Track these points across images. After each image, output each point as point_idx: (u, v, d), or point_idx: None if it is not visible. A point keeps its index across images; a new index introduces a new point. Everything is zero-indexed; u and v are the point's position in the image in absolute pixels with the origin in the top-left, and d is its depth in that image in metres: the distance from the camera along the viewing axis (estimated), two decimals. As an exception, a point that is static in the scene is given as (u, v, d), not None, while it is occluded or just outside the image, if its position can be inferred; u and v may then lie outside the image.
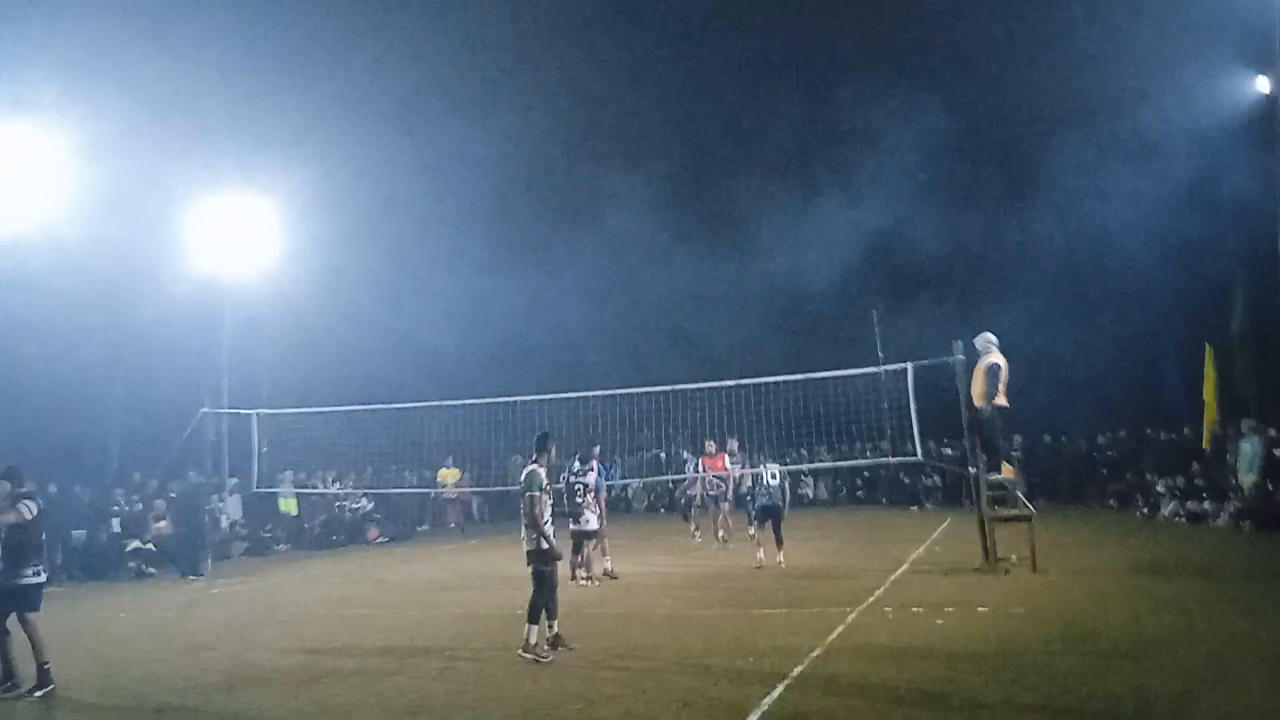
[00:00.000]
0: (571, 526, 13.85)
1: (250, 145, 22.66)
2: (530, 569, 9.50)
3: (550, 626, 9.43)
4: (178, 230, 20.53)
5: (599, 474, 14.99)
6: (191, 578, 17.51)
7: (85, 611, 14.22)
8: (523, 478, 9.69)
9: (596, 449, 15.45)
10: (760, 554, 15.11)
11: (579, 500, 13.82)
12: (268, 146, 22.95)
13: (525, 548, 9.61)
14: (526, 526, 9.59)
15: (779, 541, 15.08)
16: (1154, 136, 23.24)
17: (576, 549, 13.89)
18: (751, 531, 15.79)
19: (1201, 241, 23.18)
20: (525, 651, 9.04)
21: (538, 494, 9.52)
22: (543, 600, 9.34)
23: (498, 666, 8.89)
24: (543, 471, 9.73)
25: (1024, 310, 26.19)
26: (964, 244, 27.57)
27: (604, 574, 14.51)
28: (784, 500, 15.34)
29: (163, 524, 19.79)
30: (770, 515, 15.11)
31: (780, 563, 14.90)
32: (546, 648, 9.23)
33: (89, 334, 20.52)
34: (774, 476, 15.34)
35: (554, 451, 10.39)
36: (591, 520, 13.88)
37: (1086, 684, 7.30)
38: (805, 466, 21.96)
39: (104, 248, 19.43)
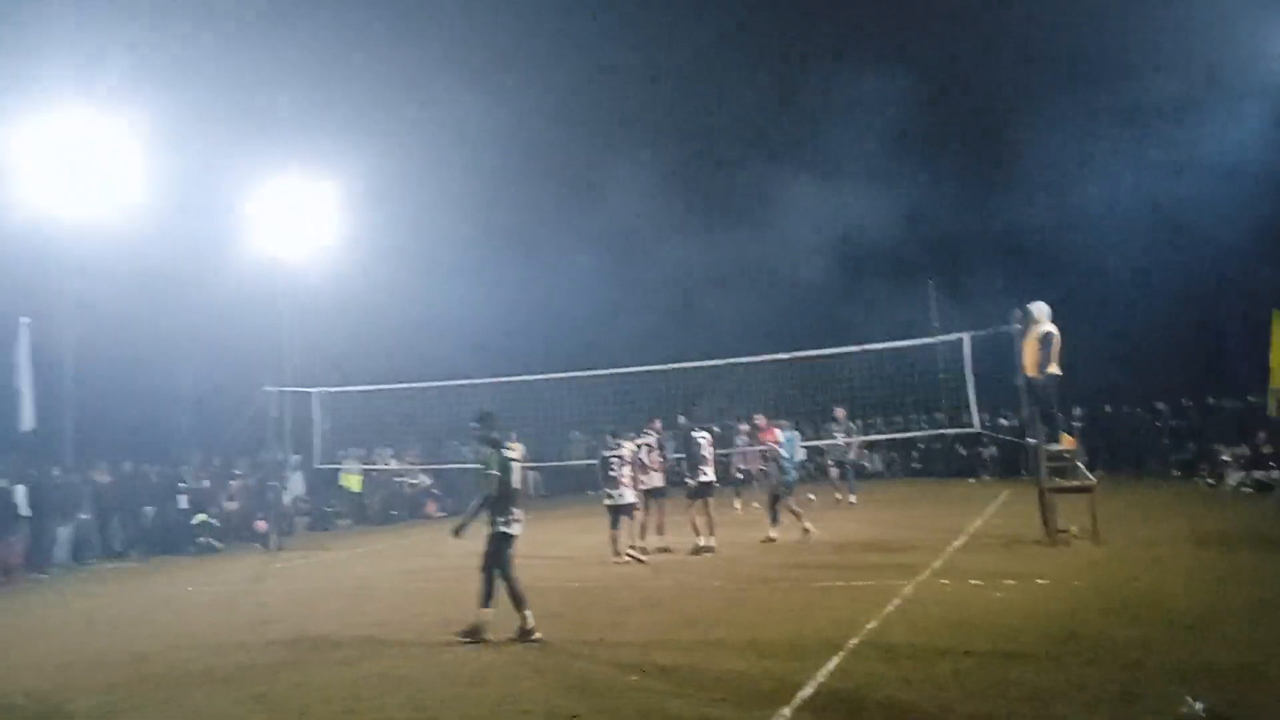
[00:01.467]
0: (605, 501, 13.97)
1: (311, 128, 22.99)
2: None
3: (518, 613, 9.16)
4: (241, 213, 20.87)
5: (657, 450, 15.06)
6: (274, 551, 18.17)
7: (155, 585, 14.70)
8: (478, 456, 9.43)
9: (657, 422, 15.54)
10: (806, 524, 15.20)
11: (611, 473, 13.91)
12: (328, 129, 23.30)
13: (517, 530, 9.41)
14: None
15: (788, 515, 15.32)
16: (1216, 97, 22.60)
17: (614, 524, 13.91)
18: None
19: (1268, 205, 22.54)
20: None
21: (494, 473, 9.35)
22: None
23: (555, 638, 9.00)
24: (494, 451, 9.46)
25: (1086, 279, 25.79)
26: (1022, 213, 27.07)
27: (658, 549, 14.59)
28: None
29: (233, 503, 20.35)
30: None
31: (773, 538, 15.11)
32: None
33: (157, 316, 21.06)
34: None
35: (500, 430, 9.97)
36: (626, 494, 13.86)
37: (1149, 656, 7.20)
38: (860, 438, 21.89)
39: (170, 231, 19.89)
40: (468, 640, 8.95)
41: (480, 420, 9.70)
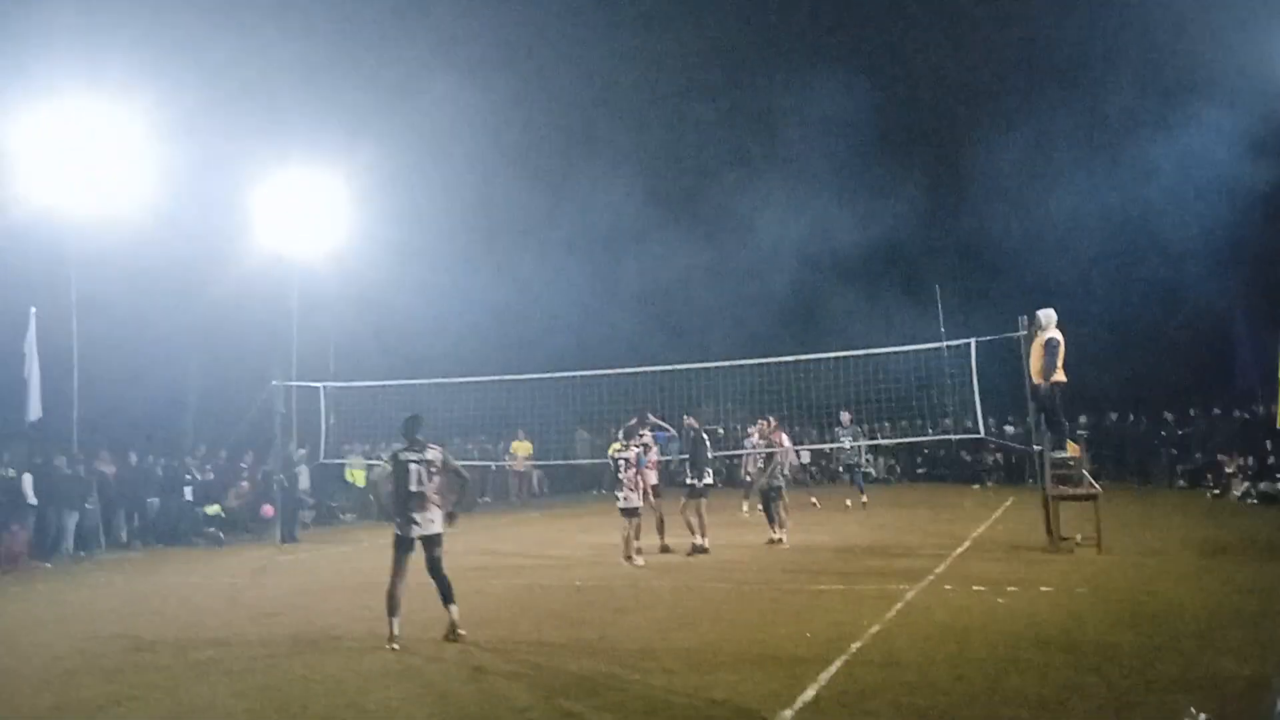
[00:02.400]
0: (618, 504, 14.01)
1: (318, 123, 22.98)
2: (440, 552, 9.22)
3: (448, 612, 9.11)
4: (248, 207, 20.93)
5: (655, 447, 15.09)
6: (286, 544, 18.32)
7: (160, 576, 14.74)
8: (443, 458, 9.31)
9: (648, 422, 15.44)
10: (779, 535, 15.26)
11: (619, 477, 13.93)
12: (335, 124, 23.29)
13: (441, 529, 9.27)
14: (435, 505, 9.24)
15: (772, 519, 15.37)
16: (1228, 102, 22.53)
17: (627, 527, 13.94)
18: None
19: (1276, 213, 22.51)
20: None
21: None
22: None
23: (558, 635, 9.03)
24: (391, 455, 9.29)
25: (1091, 286, 25.73)
26: (1032, 219, 27.02)
27: (661, 549, 14.60)
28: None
29: (243, 486, 20.44)
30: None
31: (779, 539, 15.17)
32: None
33: (164, 310, 21.14)
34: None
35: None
36: (632, 498, 13.83)
37: (1153, 666, 7.18)
38: (865, 442, 21.93)
39: (177, 225, 19.94)
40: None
41: (404, 424, 9.56)
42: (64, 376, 18.31)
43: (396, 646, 8.75)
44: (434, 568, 9.15)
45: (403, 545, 9.14)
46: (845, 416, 20.50)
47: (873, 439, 22.43)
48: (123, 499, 18.78)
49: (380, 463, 9.79)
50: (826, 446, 21.82)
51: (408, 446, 9.28)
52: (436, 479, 9.23)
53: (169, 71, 19.41)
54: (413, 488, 9.10)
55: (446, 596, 9.10)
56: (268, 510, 19.59)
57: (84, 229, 18.44)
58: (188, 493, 19.57)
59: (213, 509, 19.37)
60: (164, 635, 9.81)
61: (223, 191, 21.26)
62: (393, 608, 8.98)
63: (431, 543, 9.17)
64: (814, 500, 20.87)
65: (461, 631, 8.98)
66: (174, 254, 20.17)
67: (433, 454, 9.22)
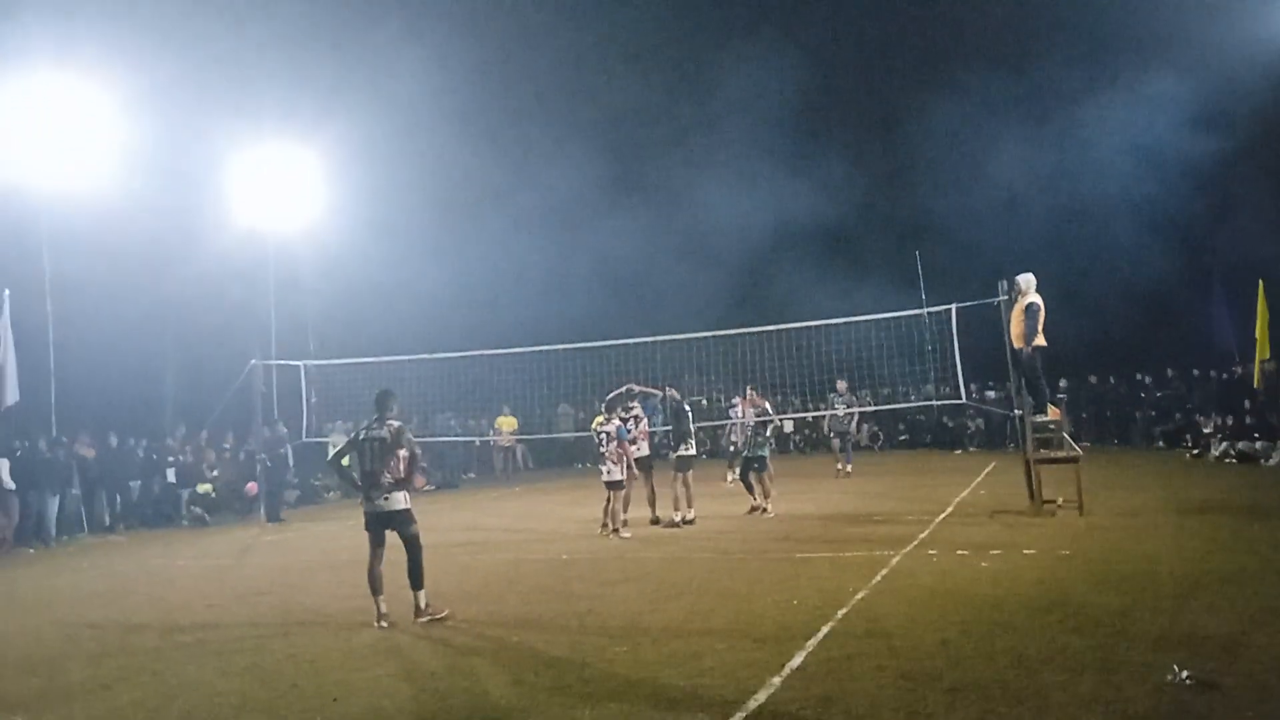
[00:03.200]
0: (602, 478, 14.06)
1: (292, 97, 22.74)
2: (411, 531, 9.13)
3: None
4: (222, 184, 20.71)
5: (645, 418, 15.06)
6: (272, 523, 18.31)
7: (145, 558, 14.68)
8: (396, 433, 9.14)
9: (634, 394, 15.38)
10: (761, 504, 15.28)
11: (601, 450, 13.97)
12: (309, 98, 23.05)
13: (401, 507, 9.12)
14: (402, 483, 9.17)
15: (757, 488, 15.36)
16: (1208, 63, 22.62)
17: (610, 500, 13.99)
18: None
19: (1252, 174, 22.63)
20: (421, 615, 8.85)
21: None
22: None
23: (545, 609, 9.04)
24: (373, 430, 9.18)
25: (1070, 248, 25.83)
26: (1005, 180, 27.10)
27: (651, 521, 14.62)
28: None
29: (219, 476, 20.34)
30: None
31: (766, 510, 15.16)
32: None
33: (138, 289, 20.88)
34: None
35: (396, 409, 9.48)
36: (613, 470, 13.85)
37: (1134, 626, 7.26)
38: (859, 409, 21.99)
39: (150, 203, 19.71)
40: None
41: (374, 399, 9.46)
42: (40, 359, 18.13)
43: (385, 625, 8.74)
44: (406, 546, 9.04)
45: (368, 523, 9.12)
46: (841, 384, 20.56)
47: (862, 407, 22.52)
48: (104, 482, 18.65)
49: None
50: (824, 414, 21.88)
51: (370, 423, 9.25)
52: (393, 456, 9.08)
53: (141, 46, 19.13)
54: (366, 465, 9.08)
55: (413, 579, 8.95)
56: (251, 488, 19.53)
57: (56, 207, 18.21)
58: (170, 474, 19.46)
59: (204, 487, 19.27)
60: (150, 617, 9.79)
61: (197, 167, 21.08)
62: (374, 587, 8.93)
63: (394, 519, 9.08)
64: (838, 467, 20.86)
65: (424, 618, 8.80)
66: (149, 231, 19.94)
67: (384, 431, 9.12)
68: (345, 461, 9.86)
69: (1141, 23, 22.74)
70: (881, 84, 31.41)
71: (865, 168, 29.44)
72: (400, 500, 9.10)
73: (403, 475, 9.13)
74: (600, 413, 14.47)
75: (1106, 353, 26.05)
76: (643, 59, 30.26)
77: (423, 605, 8.92)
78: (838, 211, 28.32)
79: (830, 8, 30.73)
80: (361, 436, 9.19)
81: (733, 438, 19.79)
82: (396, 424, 9.23)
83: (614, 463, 13.84)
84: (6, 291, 17.84)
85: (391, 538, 9.13)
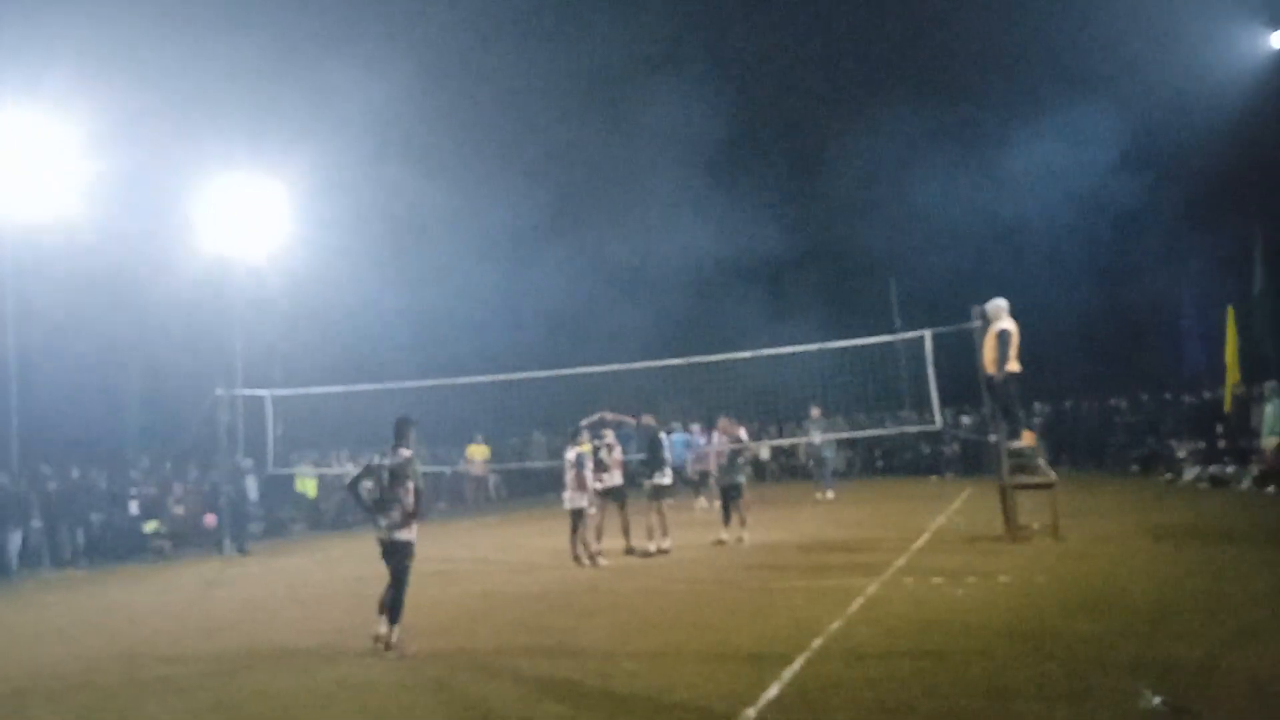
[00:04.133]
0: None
1: (257, 127, 22.63)
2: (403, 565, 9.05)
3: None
4: (187, 213, 20.54)
5: (618, 446, 14.94)
6: (235, 555, 18.12)
7: (107, 593, 14.36)
8: (406, 463, 9.11)
9: (607, 423, 15.29)
10: (733, 536, 15.15)
11: (565, 478, 13.93)
12: (274, 128, 22.93)
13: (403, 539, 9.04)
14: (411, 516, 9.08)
15: (734, 518, 15.25)
16: (1178, 94, 23.01)
17: (573, 529, 13.89)
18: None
19: (1221, 201, 22.95)
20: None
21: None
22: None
23: (518, 642, 8.90)
24: (385, 459, 9.19)
25: (1042, 274, 26.06)
26: (980, 206, 27.38)
27: (625, 551, 14.47)
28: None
29: (180, 507, 19.97)
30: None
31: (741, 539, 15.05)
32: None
33: (102, 319, 20.66)
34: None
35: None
36: (577, 499, 13.81)
37: (1109, 652, 7.22)
38: (834, 435, 21.95)
39: (114, 232, 19.53)
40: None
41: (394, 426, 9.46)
42: (1, 389, 17.81)
43: (382, 646, 8.70)
44: (392, 577, 8.97)
45: (381, 550, 9.11)
46: (815, 411, 20.56)
47: (837, 434, 22.50)
48: (66, 514, 18.23)
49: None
50: (799, 441, 21.85)
51: (386, 450, 9.26)
52: (402, 486, 9.02)
53: (106, 77, 18.98)
54: (377, 493, 9.14)
55: (391, 611, 8.83)
56: (210, 520, 19.22)
57: (19, 236, 17.97)
58: (133, 506, 19.09)
59: (150, 525, 18.82)
60: (113, 654, 9.55)
61: (163, 197, 20.87)
62: (381, 610, 8.90)
63: (394, 550, 9.01)
64: (817, 495, 20.74)
65: (393, 653, 8.66)
66: (113, 261, 19.74)
67: (392, 460, 9.09)
68: (368, 484, 9.61)
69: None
70: (810, 120, 31.92)
71: (797, 202, 29.89)
72: (405, 534, 9.03)
73: (410, 509, 9.04)
74: (572, 439, 14.35)
75: (1079, 377, 26.25)
76: (592, 94, 30.48)
77: (393, 640, 8.77)
78: (781, 243, 28.67)
79: (756, 51, 31.31)
80: (376, 463, 9.22)
81: (696, 466, 19.68)
82: (407, 454, 9.19)
83: (576, 489, 13.74)
84: None
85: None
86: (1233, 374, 20.54)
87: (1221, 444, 20.13)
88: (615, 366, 18.59)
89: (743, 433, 16.32)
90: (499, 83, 29.08)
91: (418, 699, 7.28)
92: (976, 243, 27.41)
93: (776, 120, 31.56)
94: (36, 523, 17.28)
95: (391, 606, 8.85)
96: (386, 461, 9.11)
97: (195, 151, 21.08)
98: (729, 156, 29.74)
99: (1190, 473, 19.88)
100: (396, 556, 9.00)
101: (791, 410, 20.26)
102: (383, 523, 9.03)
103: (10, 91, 17.49)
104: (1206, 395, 23.16)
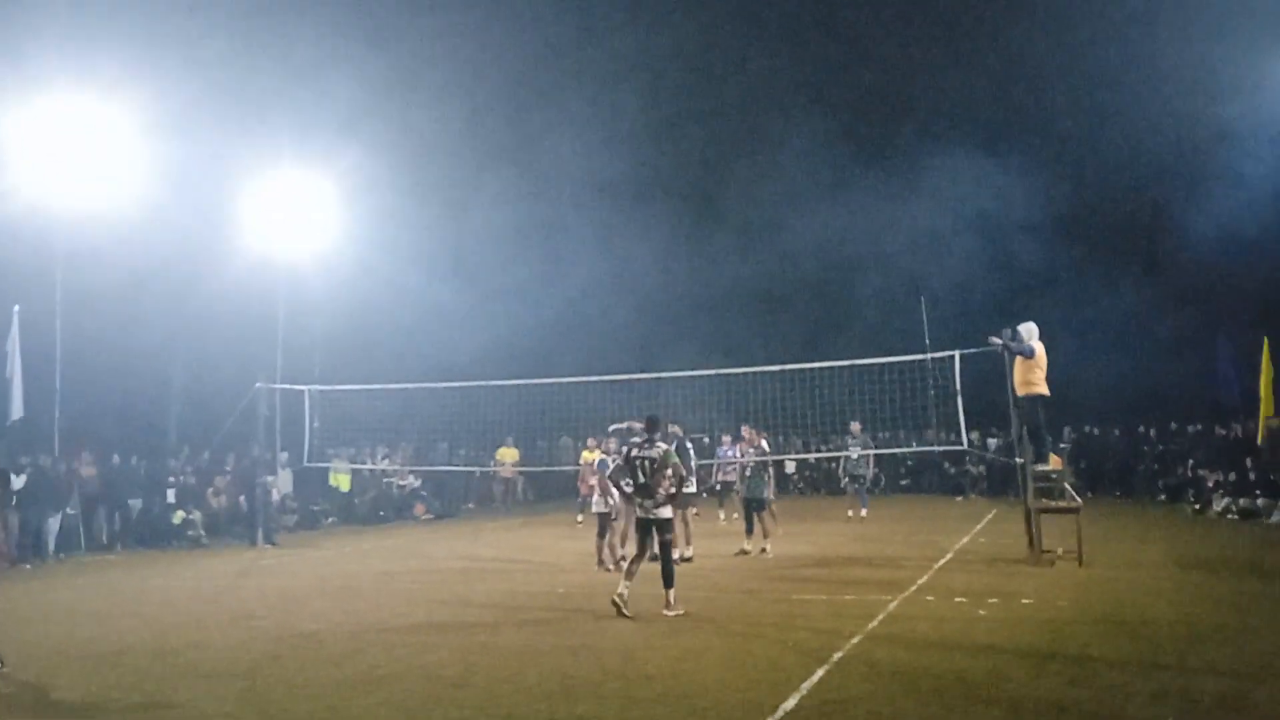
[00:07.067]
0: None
1: (307, 121, 22.93)
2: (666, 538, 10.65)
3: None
4: (236, 208, 20.86)
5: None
6: (266, 546, 18.28)
7: (141, 578, 14.64)
8: (665, 454, 10.66)
9: (635, 429, 15.36)
10: (755, 546, 15.17)
11: (592, 483, 14.17)
12: (324, 125, 23.23)
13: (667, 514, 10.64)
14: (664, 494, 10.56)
15: (756, 530, 15.26)
16: (1219, 127, 22.81)
17: (600, 532, 14.06)
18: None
19: (1260, 232, 22.73)
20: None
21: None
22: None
23: (541, 642, 9.01)
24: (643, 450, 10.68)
25: (1075, 300, 25.91)
26: (1017, 232, 27.25)
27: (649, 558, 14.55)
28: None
29: (221, 497, 20.30)
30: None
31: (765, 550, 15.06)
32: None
33: (151, 309, 20.94)
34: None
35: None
36: (599, 503, 14.01)
37: (1131, 680, 7.22)
38: (873, 452, 21.81)
39: (166, 224, 19.79)
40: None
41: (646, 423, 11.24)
42: (47, 375, 18.17)
43: (625, 608, 10.05)
44: (660, 550, 10.55)
45: (637, 525, 10.88)
46: (855, 426, 20.34)
47: (876, 450, 22.34)
48: (104, 500, 18.61)
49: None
50: (837, 455, 21.76)
51: (642, 443, 10.84)
52: (660, 472, 10.54)
53: (160, 68, 19.30)
54: (639, 479, 10.68)
55: (664, 576, 10.48)
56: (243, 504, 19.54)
57: (71, 226, 18.31)
58: (170, 494, 19.42)
59: (178, 517, 19.08)
60: (143, 638, 9.76)
61: (212, 191, 21.17)
62: (628, 570, 10.54)
63: (654, 526, 10.59)
64: (850, 512, 20.68)
65: (672, 612, 10.16)
66: (161, 253, 20.02)
67: (652, 451, 10.65)
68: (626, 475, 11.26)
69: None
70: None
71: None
72: (665, 511, 10.61)
73: (670, 491, 10.61)
74: (590, 447, 14.63)
75: (1111, 403, 26.04)
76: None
77: (671, 601, 10.28)
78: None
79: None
80: (636, 454, 10.77)
81: (721, 476, 19.72)
82: (664, 446, 10.86)
83: (600, 494, 13.96)
84: (16, 308, 17.95)
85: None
86: (1267, 407, 20.32)
87: (1252, 476, 19.92)
88: (641, 376, 18.77)
89: (764, 443, 16.37)
90: (558, 78, 29.34)
91: (441, 693, 7.41)
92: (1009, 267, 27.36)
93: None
94: (73, 511, 17.61)
95: (664, 573, 10.41)
96: (647, 454, 10.64)
97: (245, 146, 21.41)
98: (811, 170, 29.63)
99: (1219, 504, 19.69)
100: (660, 531, 10.55)
101: (819, 425, 20.13)
102: (646, 503, 10.56)
103: (64, 77, 17.76)
104: (1238, 427, 22.92)
